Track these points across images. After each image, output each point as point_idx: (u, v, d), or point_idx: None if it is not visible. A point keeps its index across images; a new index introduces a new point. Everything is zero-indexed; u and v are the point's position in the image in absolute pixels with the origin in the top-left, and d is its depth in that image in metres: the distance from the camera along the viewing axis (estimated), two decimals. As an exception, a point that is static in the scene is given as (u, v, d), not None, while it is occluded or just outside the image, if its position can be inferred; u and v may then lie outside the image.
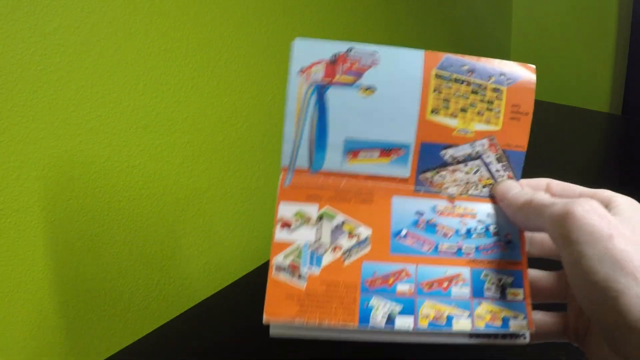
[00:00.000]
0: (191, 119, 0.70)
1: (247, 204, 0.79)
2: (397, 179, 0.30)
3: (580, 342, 0.29)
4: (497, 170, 0.31)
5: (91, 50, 0.59)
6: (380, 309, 0.26)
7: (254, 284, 0.72)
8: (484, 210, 0.30)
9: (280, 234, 0.26)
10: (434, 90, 0.30)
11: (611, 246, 0.24)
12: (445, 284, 0.27)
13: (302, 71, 0.29)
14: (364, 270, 0.27)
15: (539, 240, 0.32)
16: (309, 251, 0.27)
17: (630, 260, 0.23)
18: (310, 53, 0.30)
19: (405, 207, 0.29)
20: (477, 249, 0.28)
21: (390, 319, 0.26)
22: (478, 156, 0.31)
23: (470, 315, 0.26)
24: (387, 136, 0.29)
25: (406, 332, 0.26)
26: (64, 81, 0.58)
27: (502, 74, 0.30)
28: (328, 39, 0.30)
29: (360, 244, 0.28)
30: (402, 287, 0.27)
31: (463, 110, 0.30)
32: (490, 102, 0.30)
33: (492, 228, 0.29)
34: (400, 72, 0.30)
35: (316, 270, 0.27)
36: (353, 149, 0.29)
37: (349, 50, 0.29)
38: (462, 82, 0.30)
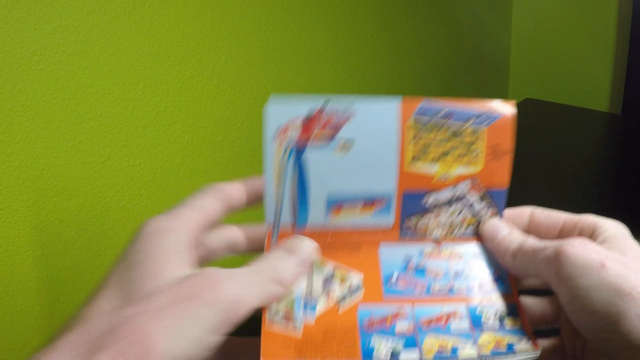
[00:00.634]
0: (191, 118, 0.71)
1: (247, 204, 0.79)
2: (381, 228, 0.30)
3: None
4: (480, 210, 0.31)
5: (91, 50, 0.59)
6: (383, 346, 0.26)
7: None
8: (470, 251, 0.31)
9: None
10: (413, 138, 0.30)
11: (604, 274, 0.24)
12: (443, 321, 0.27)
13: (277, 135, 0.30)
14: (360, 314, 0.27)
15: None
16: (302, 301, 0.27)
17: (626, 282, 0.24)
18: (285, 114, 0.29)
19: (393, 253, 0.30)
20: (468, 287, 0.29)
21: (394, 355, 0.26)
22: (460, 198, 0.31)
23: (475, 344, 0.26)
24: (369, 188, 0.30)
25: None
26: (64, 81, 0.58)
27: (480, 115, 0.30)
28: (302, 95, 0.29)
29: (353, 290, 0.28)
30: (401, 326, 0.27)
31: (444, 154, 0.30)
32: (470, 144, 0.30)
33: (480, 268, 0.30)
34: (376, 124, 0.29)
35: (311, 319, 0.27)
36: (336, 204, 0.29)
37: (324, 105, 0.29)
38: (441, 127, 0.30)
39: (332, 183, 0.29)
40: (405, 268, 0.29)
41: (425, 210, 0.30)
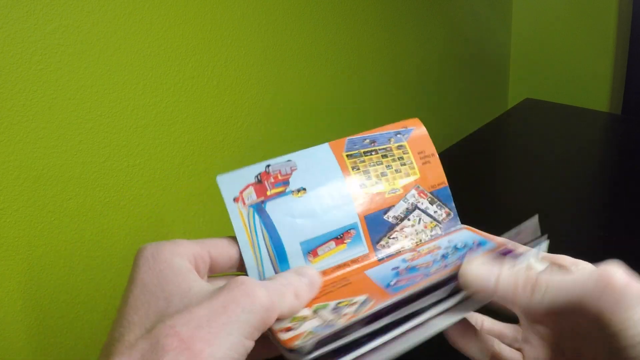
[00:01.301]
0: (191, 118, 0.71)
1: (247, 204, 0.79)
2: (359, 257, 0.32)
3: None
4: (435, 212, 0.34)
5: (91, 50, 0.59)
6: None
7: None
8: (443, 241, 0.33)
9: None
10: (353, 169, 0.33)
11: None
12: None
13: (235, 200, 0.31)
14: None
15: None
16: (323, 327, 0.27)
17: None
18: (235, 184, 0.31)
19: (380, 271, 0.32)
20: (460, 257, 0.30)
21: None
22: (414, 207, 0.34)
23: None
24: (335, 225, 0.32)
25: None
26: (64, 81, 0.58)
27: (397, 132, 0.35)
28: (244, 166, 0.32)
29: (363, 303, 0.29)
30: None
31: (383, 174, 0.33)
32: (400, 158, 0.34)
33: (459, 245, 0.32)
34: (318, 167, 0.32)
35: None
36: (311, 249, 0.31)
37: (267, 167, 0.32)
38: (371, 152, 0.34)
39: (301, 230, 0.31)
40: (398, 274, 0.31)
41: (390, 228, 0.33)
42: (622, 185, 0.87)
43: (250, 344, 0.24)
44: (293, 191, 0.32)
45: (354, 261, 0.32)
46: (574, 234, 0.74)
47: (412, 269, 0.30)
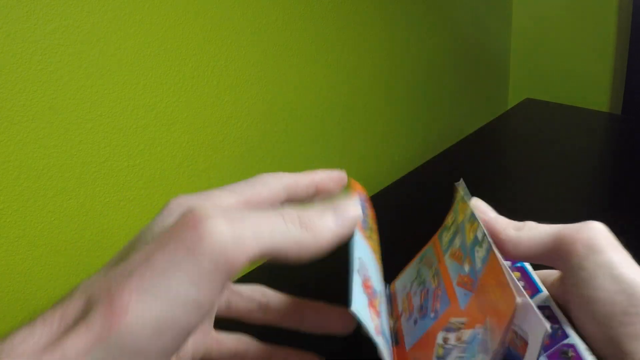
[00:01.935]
0: (191, 118, 0.71)
1: (247, 204, 0.79)
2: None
3: None
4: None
5: (91, 50, 0.59)
6: None
7: (256, 281, 0.72)
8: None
9: None
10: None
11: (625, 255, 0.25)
12: None
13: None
14: None
15: None
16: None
17: None
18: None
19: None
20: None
21: None
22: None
23: None
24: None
25: None
26: (64, 81, 0.58)
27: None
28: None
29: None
30: None
31: None
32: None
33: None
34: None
35: None
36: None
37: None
38: None
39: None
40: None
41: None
42: (622, 185, 0.87)
43: (207, 299, 0.19)
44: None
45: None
46: (574, 234, 0.74)
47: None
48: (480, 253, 0.26)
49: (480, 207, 0.29)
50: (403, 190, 0.91)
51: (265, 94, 0.79)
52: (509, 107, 1.28)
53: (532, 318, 0.22)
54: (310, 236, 0.21)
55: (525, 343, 0.22)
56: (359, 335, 0.27)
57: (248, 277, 0.75)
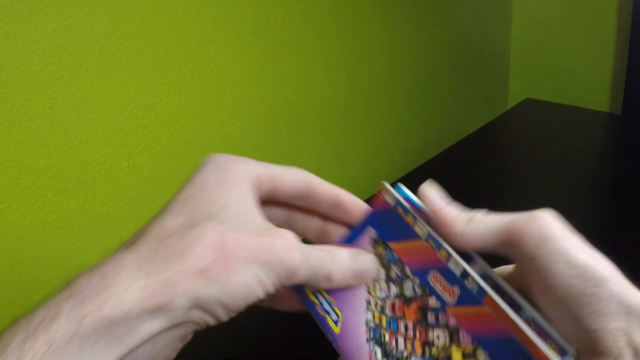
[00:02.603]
0: (191, 118, 0.71)
1: (247, 204, 0.79)
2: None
3: None
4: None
5: (91, 50, 0.59)
6: None
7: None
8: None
9: None
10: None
11: (579, 242, 0.26)
12: None
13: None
14: None
15: None
16: None
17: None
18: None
19: None
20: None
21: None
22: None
23: None
24: None
25: None
26: (64, 81, 0.58)
27: None
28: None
29: None
30: None
31: None
32: None
33: None
34: None
35: None
36: None
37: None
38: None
39: None
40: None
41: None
42: (622, 185, 0.87)
43: (263, 292, 0.25)
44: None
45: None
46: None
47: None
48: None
49: (429, 196, 0.29)
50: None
51: (265, 94, 0.79)
52: (509, 107, 1.28)
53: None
54: (329, 286, 0.28)
55: None
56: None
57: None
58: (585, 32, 1.20)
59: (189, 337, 0.25)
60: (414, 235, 0.29)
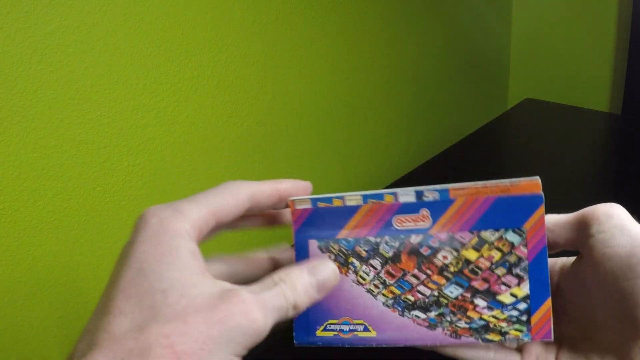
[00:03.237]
0: (191, 118, 0.71)
1: (247, 204, 0.79)
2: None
3: None
4: None
5: (91, 50, 0.59)
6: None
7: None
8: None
9: None
10: None
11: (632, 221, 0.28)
12: None
13: None
14: None
15: None
16: None
17: None
18: None
19: None
20: None
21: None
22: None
23: None
24: None
25: None
26: (64, 81, 0.58)
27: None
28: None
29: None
30: None
31: None
32: None
33: None
34: None
35: None
36: None
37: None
38: None
39: None
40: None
41: None
42: (622, 185, 0.87)
43: None
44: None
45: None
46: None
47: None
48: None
49: None
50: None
51: (265, 94, 0.79)
52: (509, 107, 1.28)
53: None
54: (295, 312, 0.27)
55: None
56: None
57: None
58: (585, 32, 1.20)
59: None
60: (352, 210, 0.29)
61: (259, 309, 0.24)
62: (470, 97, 1.25)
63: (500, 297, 0.28)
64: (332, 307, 0.30)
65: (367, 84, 0.95)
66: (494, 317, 0.28)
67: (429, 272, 0.29)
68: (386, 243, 0.29)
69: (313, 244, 0.30)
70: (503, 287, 0.28)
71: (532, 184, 0.27)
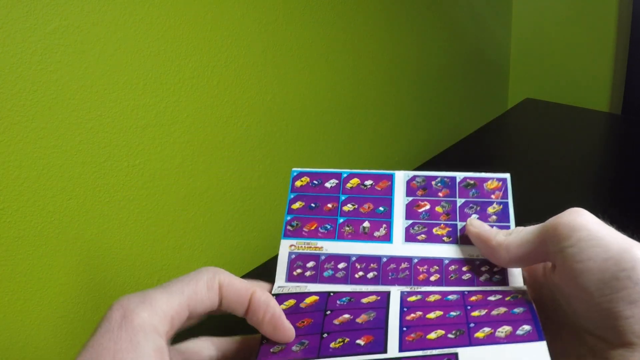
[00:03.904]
0: (191, 118, 0.71)
1: (247, 204, 0.79)
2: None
3: None
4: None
5: (91, 50, 0.59)
6: None
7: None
8: None
9: None
10: None
11: (609, 229, 0.27)
12: None
13: None
14: None
15: None
16: None
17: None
18: None
19: None
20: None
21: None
22: None
23: None
24: None
25: None
26: (64, 81, 0.58)
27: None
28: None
29: None
30: None
31: None
32: None
33: None
34: None
35: None
36: None
37: None
38: None
39: None
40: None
41: None
42: (622, 185, 0.87)
43: None
44: None
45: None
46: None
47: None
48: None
49: (474, 222, 0.32)
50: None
51: (265, 94, 0.79)
52: (509, 107, 1.28)
53: None
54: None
55: None
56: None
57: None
58: (585, 32, 1.20)
59: None
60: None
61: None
62: (470, 97, 1.25)
63: None
64: None
65: (367, 84, 0.95)
66: None
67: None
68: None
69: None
70: None
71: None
